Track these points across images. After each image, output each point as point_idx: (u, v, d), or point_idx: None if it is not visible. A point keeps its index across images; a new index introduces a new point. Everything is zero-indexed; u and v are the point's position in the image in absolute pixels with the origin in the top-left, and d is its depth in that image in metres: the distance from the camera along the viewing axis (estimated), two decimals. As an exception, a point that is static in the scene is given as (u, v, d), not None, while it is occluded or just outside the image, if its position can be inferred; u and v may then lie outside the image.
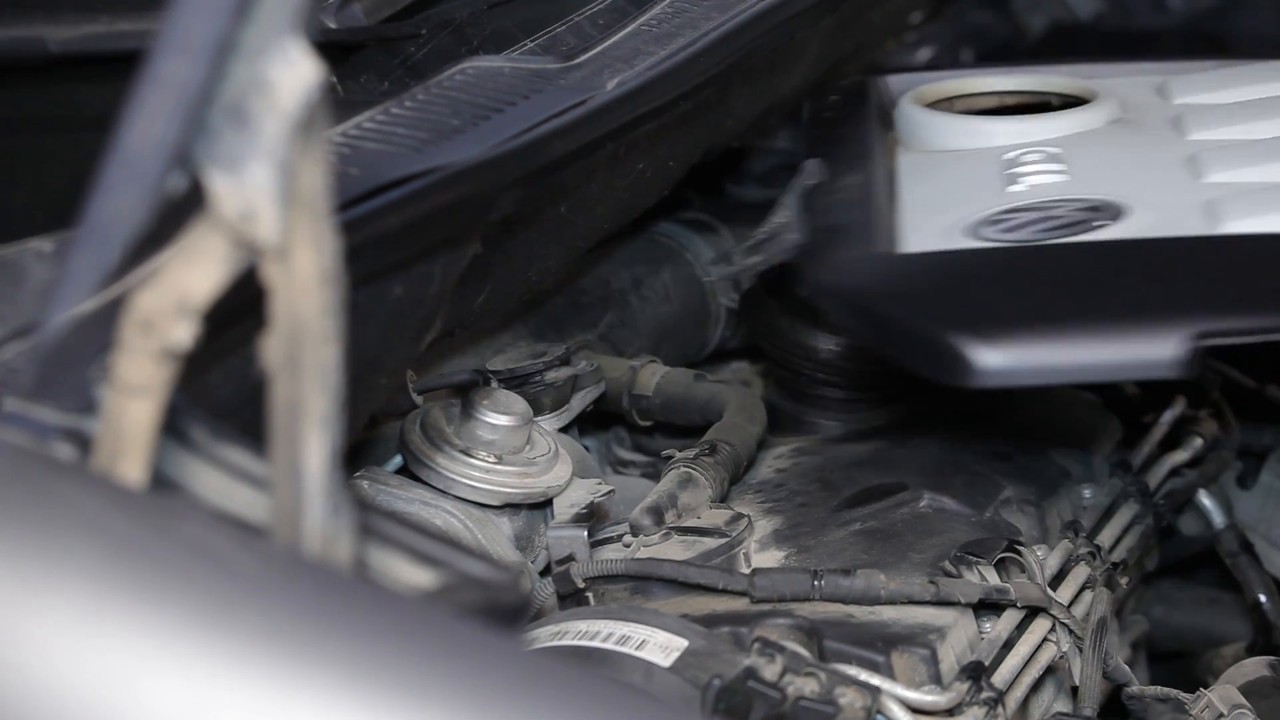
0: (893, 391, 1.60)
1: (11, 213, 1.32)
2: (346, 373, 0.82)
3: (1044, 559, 1.38)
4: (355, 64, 1.53)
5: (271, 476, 0.83)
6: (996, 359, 1.14)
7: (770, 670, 1.17)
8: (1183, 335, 1.13)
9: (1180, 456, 1.65)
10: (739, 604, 1.28)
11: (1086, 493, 1.53)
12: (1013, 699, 1.28)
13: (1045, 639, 1.33)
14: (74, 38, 1.32)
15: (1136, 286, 1.21)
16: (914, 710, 1.20)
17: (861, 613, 1.26)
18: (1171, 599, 1.82)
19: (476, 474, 1.43)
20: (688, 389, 1.62)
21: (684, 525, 1.38)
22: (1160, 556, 1.68)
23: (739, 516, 1.39)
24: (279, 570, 0.81)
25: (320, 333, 0.80)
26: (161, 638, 0.76)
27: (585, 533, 1.38)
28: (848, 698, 1.16)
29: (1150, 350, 1.14)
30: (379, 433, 1.50)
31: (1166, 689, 1.35)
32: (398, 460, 1.47)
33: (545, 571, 1.42)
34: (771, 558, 1.37)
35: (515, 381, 1.53)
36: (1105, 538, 1.49)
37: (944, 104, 1.66)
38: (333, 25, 1.49)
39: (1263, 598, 1.68)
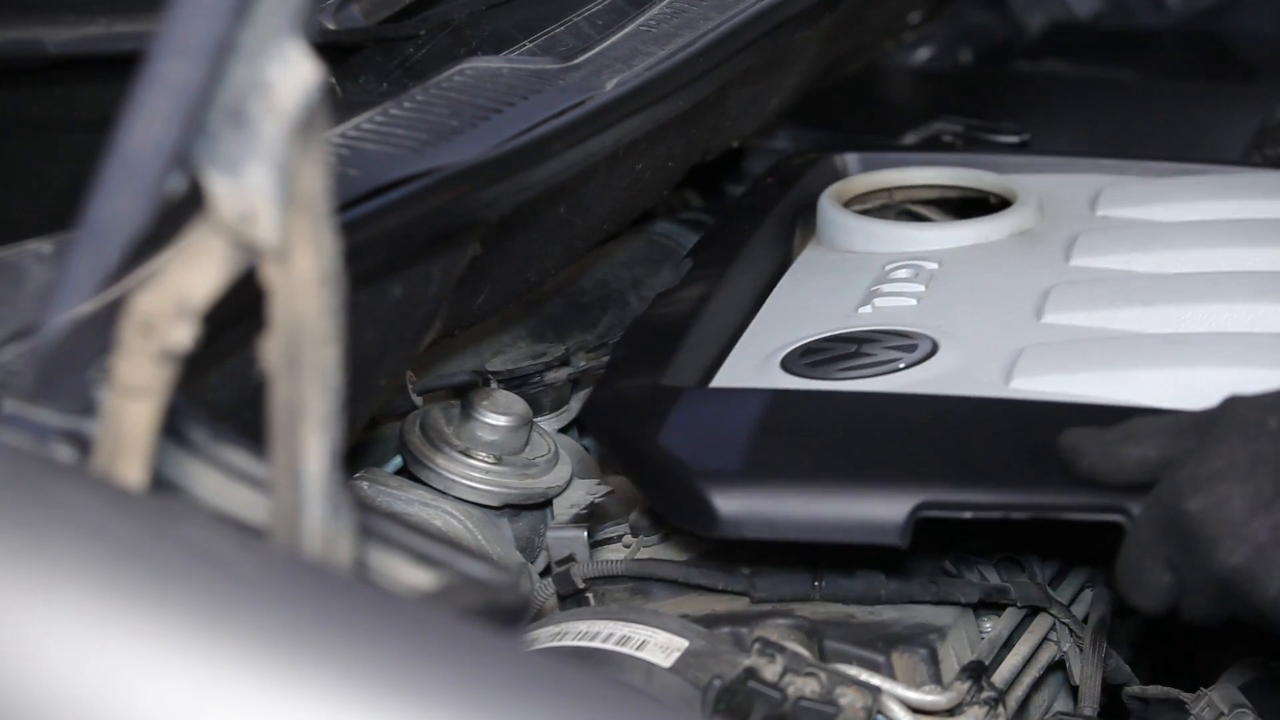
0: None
1: (10, 214, 1.32)
2: (346, 374, 0.81)
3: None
4: (354, 65, 1.53)
5: (271, 478, 0.83)
6: (735, 508, 1.17)
7: (771, 670, 1.17)
8: (904, 504, 1.15)
9: None
10: (739, 604, 1.28)
11: None
12: (1013, 698, 1.28)
13: (1045, 638, 1.33)
14: (73, 39, 1.32)
15: (881, 446, 1.22)
16: (914, 710, 1.20)
17: (862, 612, 1.26)
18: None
19: (476, 475, 1.43)
20: (687, 389, 1.61)
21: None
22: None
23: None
24: (279, 571, 0.81)
25: (320, 334, 0.80)
26: (161, 639, 0.76)
27: (585, 533, 1.37)
28: (848, 698, 1.16)
29: (873, 516, 1.15)
30: (378, 434, 1.50)
31: (1166, 689, 1.35)
32: (397, 461, 1.47)
33: (545, 572, 1.41)
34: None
35: (515, 382, 1.53)
36: None
37: (882, 194, 1.67)
38: (331, 26, 1.49)
39: None
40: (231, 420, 0.95)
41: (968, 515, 1.15)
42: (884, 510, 1.15)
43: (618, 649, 1.20)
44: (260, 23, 0.79)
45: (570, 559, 1.35)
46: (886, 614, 1.27)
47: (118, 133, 0.82)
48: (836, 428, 1.23)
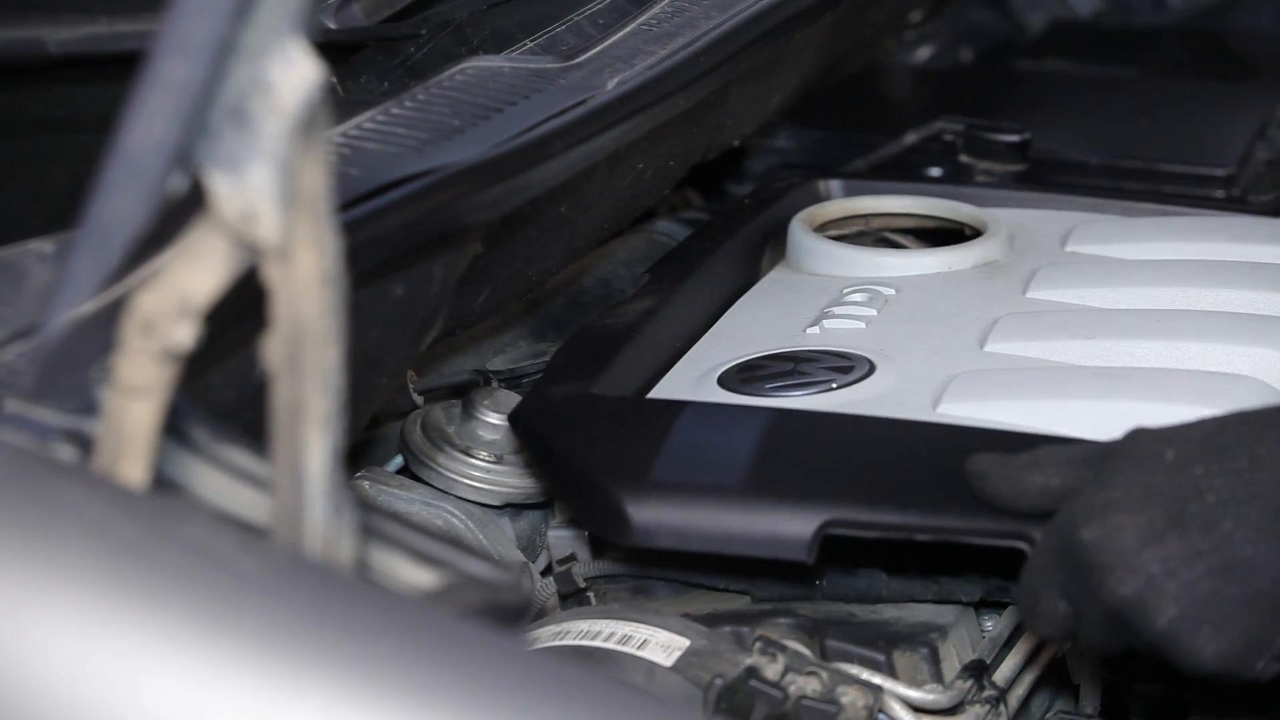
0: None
1: (11, 214, 1.32)
2: (348, 373, 0.82)
3: None
4: (355, 64, 1.53)
5: (273, 477, 0.83)
6: (648, 517, 1.19)
7: (772, 669, 1.17)
8: (812, 521, 1.16)
9: None
10: (740, 603, 1.28)
11: None
12: (1014, 697, 1.28)
13: (1046, 638, 1.33)
14: (74, 39, 1.32)
15: (798, 463, 1.22)
16: (916, 709, 1.20)
17: (863, 611, 1.27)
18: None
19: (477, 474, 1.43)
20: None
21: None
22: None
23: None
24: (280, 571, 0.81)
25: (321, 333, 0.80)
26: (163, 639, 0.76)
27: (586, 532, 1.37)
28: (850, 697, 1.16)
29: (782, 531, 1.17)
30: (380, 433, 1.50)
31: (1167, 688, 1.35)
32: (398, 460, 1.47)
33: (546, 571, 1.41)
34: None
35: (516, 381, 1.53)
36: None
37: (858, 220, 1.67)
38: (332, 26, 1.49)
39: None
40: (233, 420, 0.95)
41: (873, 535, 1.16)
42: (792, 526, 1.17)
43: (619, 648, 1.20)
44: (261, 22, 0.79)
45: (571, 558, 1.35)
46: (888, 613, 1.27)
47: (119, 132, 0.82)
48: (757, 442, 1.24)
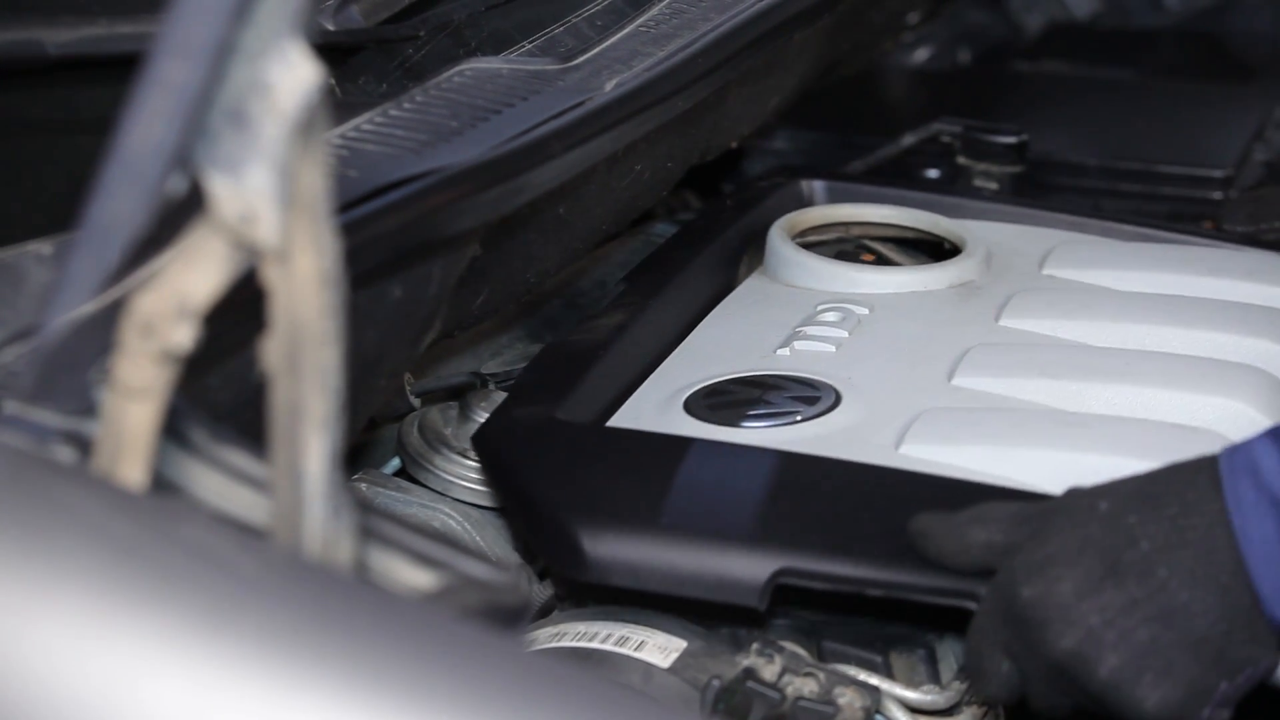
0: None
1: (10, 215, 1.32)
2: (346, 374, 0.82)
3: None
4: (354, 66, 1.53)
5: (271, 478, 0.84)
6: (603, 553, 1.19)
7: (769, 670, 1.17)
8: (765, 568, 1.16)
9: None
10: (738, 604, 1.28)
11: None
12: (1011, 699, 1.29)
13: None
14: (73, 40, 1.32)
15: (754, 505, 1.21)
16: (913, 710, 1.20)
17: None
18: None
19: (474, 476, 1.43)
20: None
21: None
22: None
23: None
24: (279, 572, 0.81)
25: (320, 335, 0.80)
26: (162, 640, 0.76)
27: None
28: (847, 698, 1.16)
29: (735, 576, 1.17)
30: (377, 435, 1.50)
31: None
32: (395, 463, 1.47)
33: (544, 573, 1.42)
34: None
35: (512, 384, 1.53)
36: None
37: (838, 227, 1.67)
38: (331, 27, 1.49)
39: None
40: (232, 421, 0.95)
41: (823, 587, 1.16)
42: (745, 571, 1.17)
43: (616, 649, 1.20)
44: (260, 24, 0.79)
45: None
46: (885, 614, 1.27)
47: (118, 134, 0.82)
48: (717, 481, 1.23)
